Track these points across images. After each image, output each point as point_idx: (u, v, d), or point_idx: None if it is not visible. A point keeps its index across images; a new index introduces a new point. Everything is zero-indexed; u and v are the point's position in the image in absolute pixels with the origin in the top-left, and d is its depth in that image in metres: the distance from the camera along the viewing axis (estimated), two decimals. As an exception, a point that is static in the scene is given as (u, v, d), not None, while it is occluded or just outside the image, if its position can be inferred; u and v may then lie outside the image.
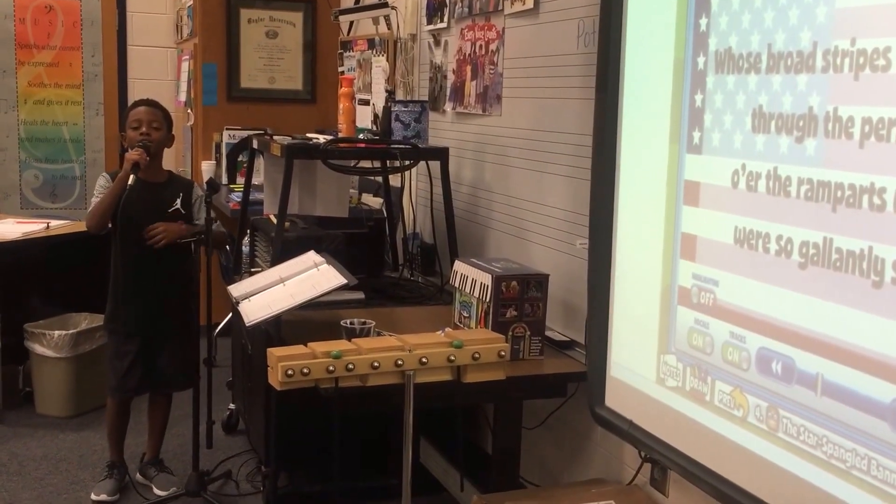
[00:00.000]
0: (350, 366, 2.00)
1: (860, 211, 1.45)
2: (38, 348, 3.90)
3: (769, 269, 1.65)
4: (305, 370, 1.97)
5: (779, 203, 1.62)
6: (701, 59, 1.84)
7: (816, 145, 1.54)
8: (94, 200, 3.12)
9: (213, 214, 3.04)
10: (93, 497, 3.19)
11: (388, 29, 3.93)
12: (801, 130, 1.57)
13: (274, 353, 2.00)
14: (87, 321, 4.05)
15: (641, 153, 2.06)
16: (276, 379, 1.98)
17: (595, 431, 2.51)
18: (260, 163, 3.91)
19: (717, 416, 1.81)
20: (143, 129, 3.06)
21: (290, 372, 1.96)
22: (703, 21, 1.83)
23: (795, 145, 1.58)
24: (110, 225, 3.13)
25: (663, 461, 2.04)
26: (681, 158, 1.91)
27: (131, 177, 2.96)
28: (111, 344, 3.26)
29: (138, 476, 3.33)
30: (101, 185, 3.13)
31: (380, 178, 3.67)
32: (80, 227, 4.16)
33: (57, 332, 3.89)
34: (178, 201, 3.16)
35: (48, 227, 4.20)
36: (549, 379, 2.44)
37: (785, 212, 1.61)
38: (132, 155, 3.00)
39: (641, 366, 2.06)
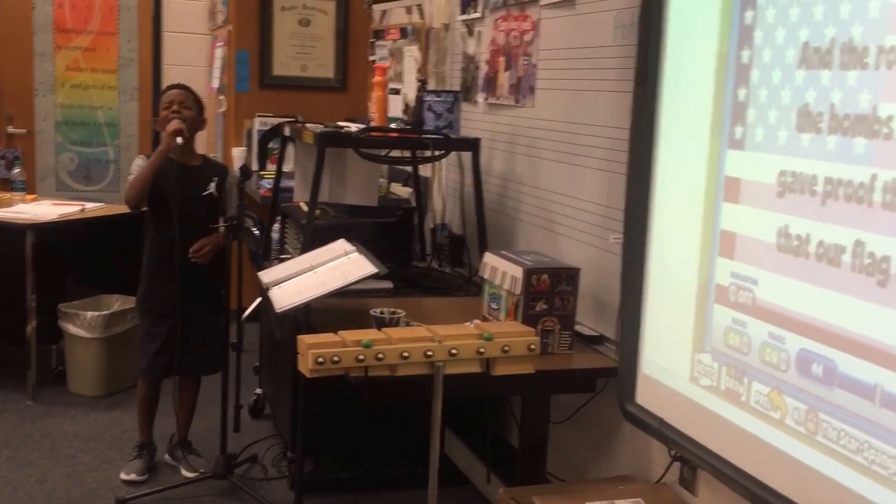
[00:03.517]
0: (380, 355, 1.99)
1: (909, 212, 1.42)
2: (72, 328, 3.94)
3: (812, 269, 1.61)
4: (336, 358, 1.96)
5: (824, 203, 1.59)
6: (745, 53, 1.80)
7: (866, 145, 1.50)
8: (131, 178, 3.13)
9: (245, 202, 3.04)
10: (122, 476, 3.22)
11: (421, 18, 3.91)
12: (849, 129, 1.53)
13: (305, 340, 1.99)
14: (119, 303, 4.09)
15: (680, 148, 2.02)
16: (306, 366, 1.98)
17: (623, 428, 2.48)
18: (290, 150, 3.91)
19: (752, 417, 1.78)
20: (175, 108, 3.10)
21: (320, 359, 1.96)
22: (749, 14, 1.79)
23: (843, 144, 1.54)
24: (145, 208, 3.15)
25: (694, 460, 2.02)
26: (721, 154, 1.87)
27: (179, 139, 3.00)
28: (143, 325, 3.29)
29: (167, 457, 3.36)
30: (137, 165, 3.16)
31: (410, 168, 3.66)
32: (115, 209, 4.20)
33: (90, 313, 3.93)
34: (213, 185, 3.17)
35: (83, 209, 4.23)
36: (578, 374, 2.42)
37: (831, 212, 1.57)
38: (172, 125, 3.03)
39: (674, 363, 2.03)
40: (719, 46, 1.88)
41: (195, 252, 3.09)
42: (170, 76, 5.51)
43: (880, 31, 1.47)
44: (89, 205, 4.34)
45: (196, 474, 3.20)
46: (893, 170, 1.45)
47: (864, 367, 1.51)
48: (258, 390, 3.86)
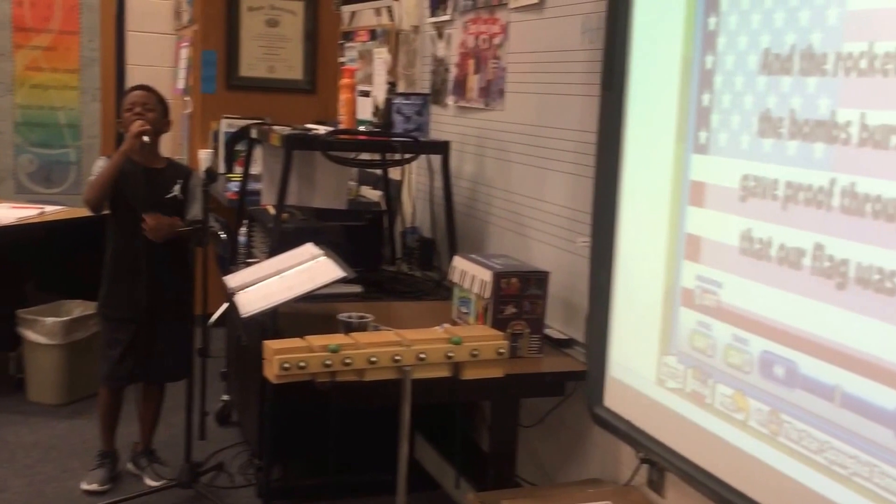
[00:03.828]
0: (347, 360, 1.98)
1: (865, 217, 1.44)
2: (31, 335, 3.87)
3: (773, 272, 1.63)
4: (302, 364, 1.95)
5: (785, 207, 1.61)
6: (709, 59, 1.82)
7: (825, 150, 1.52)
8: (91, 179, 3.08)
9: (210, 205, 3.01)
10: (83, 486, 3.17)
11: (391, 20, 3.90)
12: (809, 134, 1.55)
13: (270, 345, 1.97)
14: (80, 308, 4.02)
15: (646, 152, 2.04)
16: (272, 372, 1.96)
17: (592, 431, 2.49)
18: (258, 152, 3.88)
19: (717, 419, 1.80)
20: (137, 110, 3.05)
21: (286, 365, 1.94)
22: (713, 20, 1.81)
23: (803, 149, 1.56)
24: (107, 211, 3.10)
25: (661, 462, 2.03)
26: (686, 158, 1.89)
27: (145, 137, 2.96)
28: (104, 331, 3.23)
29: (130, 466, 3.30)
30: (98, 167, 3.10)
31: (379, 171, 3.65)
32: (75, 212, 4.13)
33: (50, 319, 3.86)
34: (177, 188, 3.12)
35: (43, 212, 4.16)
36: (547, 377, 2.42)
37: (792, 216, 1.59)
38: (136, 124, 2.98)
39: (642, 366, 2.05)
40: (684, 52, 1.90)
41: (149, 225, 2.99)
42: (133, 76, 5.44)
43: (838, 39, 1.49)
44: (49, 208, 4.27)
45: (160, 483, 3.15)
46: (851, 174, 1.47)
47: (825, 368, 1.53)
48: (225, 396, 3.82)
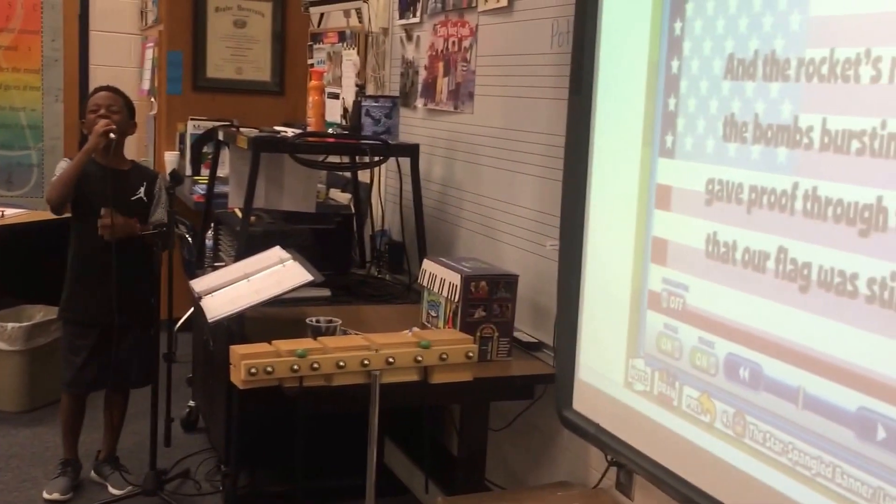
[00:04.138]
0: (315, 365, 1.97)
1: (826, 221, 1.45)
2: (-9, 340, 3.81)
3: (738, 275, 1.65)
4: (269, 369, 1.93)
5: (750, 211, 1.62)
6: (675, 63, 1.83)
7: (788, 154, 1.54)
8: (54, 179, 3.04)
9: (175, 208, 2.98)
10: (45, 495, 3.11)
11: (360, 22, 3.89)
12: (772, 139, 1.57)
13: (237, 350, 1.96)
14: (42, 313, 3.95)
15: (614, 156, 2.05)
16: (238, 377, 1.94)
17: (561, 434, 2.50)
18: (225, 154, 3.85)
19: (684, 421, 1.81)
20: (102, 112, 3.00)
21: (253, 370, 1.92)
22: (678, 25, 1.82)
23: (767, 154, 1.58)
24: (69, 214, 3.05)
25: (630, 465, 2.04)
26: (653, 162, 1.90)
27: (112, 135, 2.92)
28: (66, 336, 3.17)
29: (93, 474, 3.26)
30: (61, 167, 3.05)
31: (348, 174, 3.63)
32: (37, 215, 4.06)
33: (10, 325, 3.80)
34: (142, 190, 3.09)
35: (3, 215, 4.09)
36: (516, 381, 2.42)
37: (756, 219, 1.61)
38: (101, 123, 2.94)
39: (610, 369, 2.05)
40: (650, 56, 1.91)
41: (103, 223, 2.92)
42: (97, 77, 5.37)
43: (801, 45, 1.51)
44: (10, 211, 4.20)
45: (124, 491, 3.11)
46: (814, 179, 1.49)
47: (788, 370, 1.54)
48: (191, 402, 3.78)
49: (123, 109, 3.08)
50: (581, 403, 2.19)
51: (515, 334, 2.50)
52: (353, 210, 3.56)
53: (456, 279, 2.41)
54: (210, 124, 4.24)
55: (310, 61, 4.58)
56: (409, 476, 3.18)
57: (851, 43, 1.41)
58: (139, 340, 3.11)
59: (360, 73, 3.86)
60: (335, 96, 4.06)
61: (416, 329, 2.46)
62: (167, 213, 2.97)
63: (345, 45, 4.07)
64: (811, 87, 1.49)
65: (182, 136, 4.92)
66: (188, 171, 4.72)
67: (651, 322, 1.91)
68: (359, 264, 3.45)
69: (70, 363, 3.12)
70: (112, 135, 2.94)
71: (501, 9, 2.78)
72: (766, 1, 1.59)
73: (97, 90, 3.13)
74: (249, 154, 2.93)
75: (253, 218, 3.03)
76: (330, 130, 3.39)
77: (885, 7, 1.36)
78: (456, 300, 2.40)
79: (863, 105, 1.39)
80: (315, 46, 4.50)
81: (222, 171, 3.86)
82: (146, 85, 5.31)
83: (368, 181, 3.64)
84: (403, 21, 3.51)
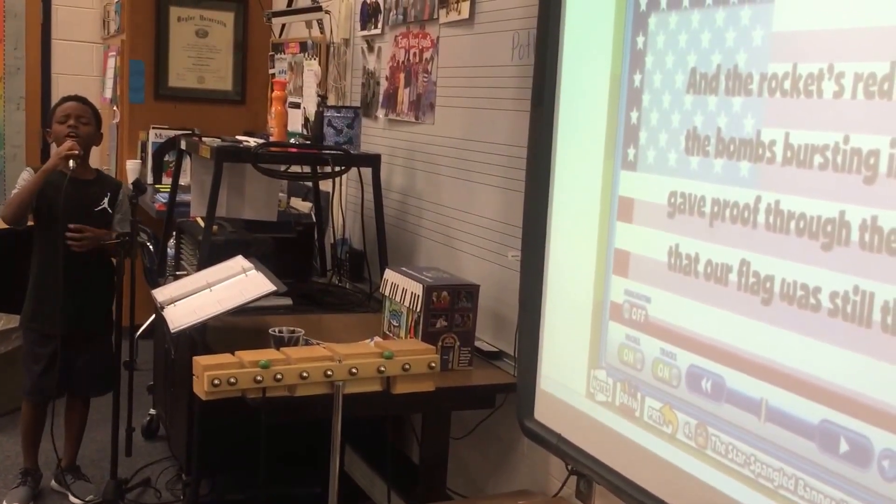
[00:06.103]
0: (278, 376, 1.95)
1: (789, 235, 1.48)
2: (-51, 349, 3.73)
3: (700, 288, 1.67)
4: (232, 380, 1.92)
5: (712, 224, 1.65)
6: (637, 77, 1.85)
7: (750, 168, 1.56)
8: (10, 197, 3.00)
9: (138, 217, 2.96)
10: (4, 506, 3.07)
11: (321, 33, 3.88)
12: (735, 153, 1.59)
13: (200, 361, 1.94)
14: (3, 322, 3.89)
15: (576, 168, 2.07)
16: (201, 388, 1.92)
17: (522, 443, 2.51)
18: (187, 163, 3.81)
19: (646, 432, 1.83)
20: (72, 122, 2.98)
21: (216, 381, 1.91)
22: (640, 39, 1.85)
23: (729, 167, 1.60)
24: (32, 223, 3.03)
25: (591, 475, 2.05)
26: (615, 174, 1.92)
27: (71, 162, 2.89)
28: (26, 345, 3.15)
29: (53, 483, 3.22)
30: (23, 179, 3.03)
31: (310, 183, 3.62)
32: (-3, 225, 3.98)
33: (-31, 334, 3.73)
34: (106, 200, 3.08)
35: (-39, 224, 4.00)
36: (477, 390, 2.43)
37: (718, 233, 1.63)
38: (67, 145, 2.91)
39: (571, 380, 2.07)
40: (612, 69, 1.93)
41: (71, 236, 2.92)
42: (59, 85, 5.32)
43: (763, 59, 1.54)
44: (-30, 219, 4.11)
45: (84, 501, 3.08)
46: (776, 192, 1.51)
47: (751, 382, 1.56)
48: (152, 410, 3.73)
49: (92, 121, 3.09)
50: (542, 413, 2.20)
51: (476, 344, 2.51)
52: (314, 219, 3.55)
53: (418, 289, 2.41)
54: (172, 133, 4.20)
55: (271, 71, 4.56)
56: (369, 484, 3.16)
57: (814, 58, 1.44)
58: (99, 348, 3.08)
59: (322, 84, 3.85)
60: (297, 106, 4.04)
61: (377, 339, 2.46)
62: (130, 222, 2.95)
63: (306, 55, 4.05)
64: (774, 101, 1.51)
65: (144, 145, 4.88)
66: (150, 180, 4.68)
67: (613, 333, 1.92)
68: (319, 273, 3.44)
69: (31, 371, 3.09)
70: (71, 163, 2.90)
71: (462, 21, 2.80)
72: (728, 16, 1.61)
73: (66, 99, 3.11)
74: (212, 164, 2.91)
75: (215, 227, 3.00)
76: (292, 140, 3.37)
77: (848, 23, 1.39)
78: (418, 310, 2.40)
79: (825, 120, 1.41)
80: (276, 56, 4.48)
81: (184, 180, 3.83)
82: (108, 93, 5.25)
83: (329, 190, 3.63)
84: (365, 32, 3.51)
